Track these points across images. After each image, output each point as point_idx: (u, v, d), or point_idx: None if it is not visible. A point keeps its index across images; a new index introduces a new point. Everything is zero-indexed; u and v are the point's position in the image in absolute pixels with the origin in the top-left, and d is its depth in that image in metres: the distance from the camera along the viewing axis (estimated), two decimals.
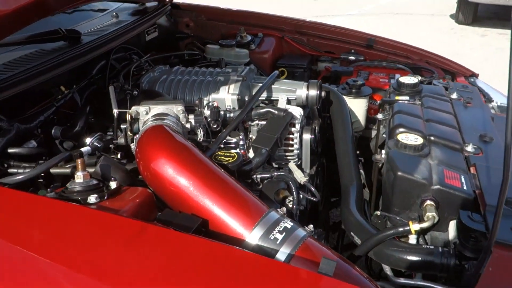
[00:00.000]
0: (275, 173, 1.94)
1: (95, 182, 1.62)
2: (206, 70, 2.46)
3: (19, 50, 2.28)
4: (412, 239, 1.74)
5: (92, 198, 1.52)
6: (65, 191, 1.58)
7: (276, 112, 2.10)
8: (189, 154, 1.69)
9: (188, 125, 1.98)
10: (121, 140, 2.00)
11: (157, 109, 1.99)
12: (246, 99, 2.28)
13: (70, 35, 2.40)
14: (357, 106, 2.75)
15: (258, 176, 1.94)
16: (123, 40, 2.66)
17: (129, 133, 1.97)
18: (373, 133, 2.99)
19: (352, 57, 3.25)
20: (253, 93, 2.31)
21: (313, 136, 2.22)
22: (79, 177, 1.60)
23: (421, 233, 1.74)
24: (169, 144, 1.72)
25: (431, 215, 1.68)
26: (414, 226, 1.67)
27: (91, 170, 1.75)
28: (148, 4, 3.20)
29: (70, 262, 1.22)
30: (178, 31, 3.51)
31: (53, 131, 2.10)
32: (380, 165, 2.16)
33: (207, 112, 2.05)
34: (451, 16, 9.93)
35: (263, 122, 2.14)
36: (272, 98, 2.34)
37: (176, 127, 1.85)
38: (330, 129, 2.62)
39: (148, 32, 2.96)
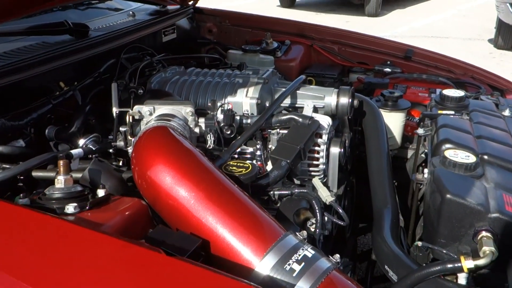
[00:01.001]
0: (296, 190, 1.64)
1: (79, 188, 1.36)
2: (223, 72, 2.20)
3: (20, 41, 2.07)
4: (462, 279, 1.40)
5: (70, 208, 1.25)
6: (42, 197, 1.32)
7: (301, 120, 1.81)
8: (194, 162, 1.41)
9: (197, 130, 1.71)
10: (121, 143, 1.73)
11: (162, 109, 1.72)
12: (267, 104, 2.00)
13: (77, 28, 2.18)
14: (393, 121, 2.44)
15: (275, 192, 1.65)
16: (135, 38, 2.44)
17: (129, 136, 1.70)
18: (410, 153, 2.66)
19: (387, 69, 2.94)
20: (275, 98, 2.03)
21: (342, 150, 1.91)
22: (59, 181, 1.33)
23: (474, 271, 1.40)
24: (170, 148, 1.44)
25: (488, 250, 1.34)
26: (468, 263, 1.34)
27: (79, 175, 1.49)
28: (170, 7, 2.99)
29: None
30: (200, 36, 3.28)
31: (46, 131, 1.86)
32: (421, 187, 1.84)
33: (220, 115, 1.78)
34: (490, 40, 9.51)
35: (285, 131, 1.85)
36: (296, 105, 2.05)
37: (182, 130, 1.58)
38: (361, 145, 2.32)
39: (165, 32, 2.74)
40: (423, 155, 2.43)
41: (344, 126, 2.07)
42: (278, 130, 1.86)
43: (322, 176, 1.89)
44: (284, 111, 1.99)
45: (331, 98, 2.02)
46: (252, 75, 2.06)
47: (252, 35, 3.22)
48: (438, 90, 2.76)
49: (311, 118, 1.82)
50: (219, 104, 1.82)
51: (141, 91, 1.88)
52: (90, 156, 1.71)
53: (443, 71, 2.89)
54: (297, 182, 1.91)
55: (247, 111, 1.89)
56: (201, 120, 1.75)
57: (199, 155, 1.44)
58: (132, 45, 2.41)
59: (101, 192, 1.37)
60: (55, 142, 1.88)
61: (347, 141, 2.02)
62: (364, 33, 3.16)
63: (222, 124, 1.75)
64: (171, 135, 1.50)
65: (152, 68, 2.38)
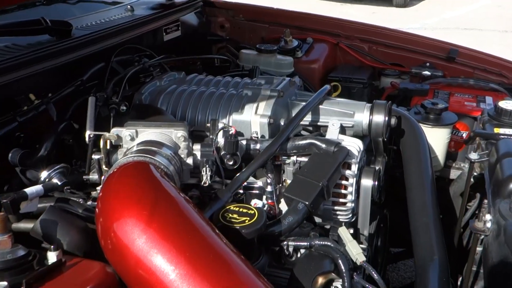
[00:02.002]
0: (317, 242, 1.26)
1: (20, 253, 1.00)
2: (230, 80, 1.82)
3: None
4: None
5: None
6: None
7: (324, 146, 1.42)
8: (179, 218, 1.04)
9: (190, 161, 1.33)
10: (94, 176, 1.37)
11: (147, 133, 1.35)
12: (282, 123, 1.60)
13: (56, 27, 1.82)
14: (436, 138, 2.02)
15: (290, 243, 1.27)
16: (129, 37, 2.07)
17: (104, 167, 1.34)
18: (452, 172, 2.25)
19: (426, 72, 2.51)
20: (293, 115, 1.64)
21: (376, 182, 1.51)
22: None
23: None
24: (148, 197, 1.07)
25: None
26: None
27: (30, 225, 1.13)
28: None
29: None
30: (210, 32, 2.89)
31: (10, 155, 1.50)
32: (481, 237, 1.43)
33: (220, 140, 1.40)
34: None
35: (304, 159, 1.46)
36: (319, 124, 1.65)
37: (168, 167, 1.21)
38: (397, 167, 1.91)
39: (167, 30, 2.36)
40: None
41: (378, 150, 1.67)
42: (295, 158, 1.47)
43: (350, 215, 1.50)
44: (304, 133, 1.60)
45: (363, 115, 1.62)
46: (264, 86, 1.67)
47: (269, 32, 2.83)
48: (488, 99, 2.33)
49: (338, 144, 1.42)
50: (220, 125, 1.44)
51: (124, 107, 1.51)
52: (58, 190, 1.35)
53: (494, 75, 2.45)
54: (317, 219, 1.53)
55: (256, 133, 1.50)
56: (197, 147, 1.38)
57: (188, 208, 1.07)
58: (125, 46, 2.05)
59: (52, 256, 1.01)
60: (21, 168, 1.53)
61: (381, 170, 1.62)
62: (398, 30, 2.73)
63: (223, 153, 1.37)
64: (152, 178, 1.13)
65: (148, 74, 2.01)
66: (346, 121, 1.63)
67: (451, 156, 2.23)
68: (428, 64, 2.54)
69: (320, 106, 1.65)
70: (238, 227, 1.16)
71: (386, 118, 1.59)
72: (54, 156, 1.56)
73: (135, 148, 1.26)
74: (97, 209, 1.11)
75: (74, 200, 1.33)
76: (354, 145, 1.51)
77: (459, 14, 10.58)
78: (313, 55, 2.61)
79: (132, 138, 1.35)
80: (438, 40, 2.62)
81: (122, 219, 1.03)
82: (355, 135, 1.65)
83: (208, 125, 1.45)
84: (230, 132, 1.36)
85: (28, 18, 1.85)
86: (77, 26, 1.95)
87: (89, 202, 1.36)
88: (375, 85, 2.64)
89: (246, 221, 1.18)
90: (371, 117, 1.61)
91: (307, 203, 1.29)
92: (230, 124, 1.57)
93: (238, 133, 1.55)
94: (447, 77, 2.49)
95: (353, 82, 2.46)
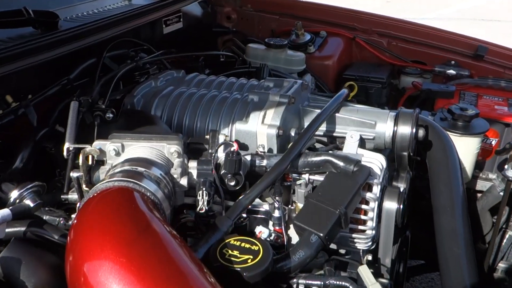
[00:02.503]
0: (332, 281, 1.06)
1: None
2: (235, 81, 1.61)
3: None
4: None
5: None
6: None
7: (342, 164, 1.21)
8: (163, 262, 0.84)
9: (184, 181, 1.13)
10: (73, 196, 1.18)
11: (135, 148, 1.15)
12: (292, 134, 1.40)
13: (40, 18, 1.62)
14: (464, 148, 1.80)
15: (301, 281, 1.08)
16: (125, 30, 1.86)
17: (84, 187, 1.14)
18: (479, 183, 2.04)
19: (451, 71, 2.29)
20: (305, 124, 1.43)
21: (401, 205, 1.30)
22: None
23: None
24: (127, 235, 0.87)
25: None
26: None
27: None
28: None
29: None
30: (215, 24, 2.68)
31: None
32: None
33: (221, 155, 1.20)
34: None
35: (318, 178, 1.26)
36: (335, 134, 1.45)
37: (156, 193, 1.01)
38: (418, 178, 1.71)
39: (167, 22, 2.15)
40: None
41: (401, 164, 1.46)
42: (307, 177, 1.26)
43: (370, 243, 1.30)
44: (318, 146, 1.39)
45: (386, 126, 1.41)
46: (272, 90, 1.46)
47: (280, 24, 2.61)
48: None
49: (358, 162, 1.21)
50: (221, 137, 1.23)
51: (110, 115, 1.30)
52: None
53: None
54: (332, 245, 1.33)
55: (263, 147, 1.29)
56: (193, 165, 1.17)
57: (175, 248, 0.87)
58: (119, 40, 1.84)
59: None
60: None
61: (406, 189, 1.42)
62: (421, 24, 2.49)
63: (223, 171, 1.17)
64: (135, 210, 0.93)
65: (144, 72, 1.81)
66: (366, 132, 1.42)
67: (478, 165, 2.02)
68: (453, 62, 2.32)
69: (337, 114, 1.44)
70: (239, 269, 0.96)
71: (413, 130, 1.38)
72: (33, 167, 1.37)
73: (118, 169, 1.06)
74: (68, 240, 0.92)
75: (50, 224, 1.14)
76: (376, 162, 1.31)
77: (476, 4, 10.23)
78: (326, 51, 2.39)
79: (117, 153, 1.15)
80: (465, 36, 2.39)
81: (96, 260, 0.84)
82: (376, 148, 1.44)
83: (207, 137, 1.25)
84: (232, 149, 1.16)
85: (8, 8, 1.65)
86: (64, 17, 1.75)
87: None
88: (394, 84, 2.41)
89: (249, 260, 0.98)
90: (395, 128, 1.40)
91: (321, 234, 1.09)
92: (233, 135, 1.37)
93: (242, 146, 1.34)
94: (475, 77, 2.26)
95: (370, 82, 2.24)
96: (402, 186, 1.46)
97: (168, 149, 1.16)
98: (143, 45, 1.98)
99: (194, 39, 2.42)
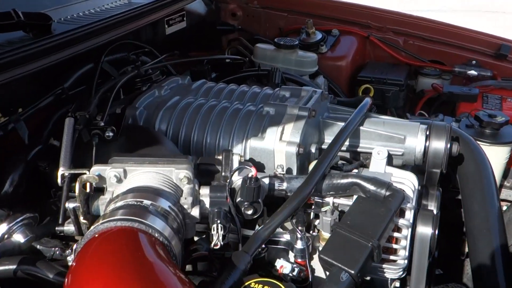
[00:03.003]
0: None
1: None
2: (247, 90, 1.47)
3: None
4: None
5: None
6: None
7: (372, 188, 1.07)
8: None
9: (196, 211, 0.99)
10: (70, 228, 1.04)
11: (138, 174, 1.02)
12: (312, 150, 1.26)
13: (31, 21, 1.47)
14: (494, 158, 1.65)
15: None
16: (124, 32, 1.72)
17: (82, 219, 1.01)
18: (504, 192, 1.91)
19: (473, 72, 2.15)
20: (326, 139, 1.30)
21: (436, 231, 1.17)
22: None
23: None
24: (131, 284, 0.74)
25: None
26: None
27: None
28: None
29: None
30: (220, 21, 2.53)
31: None
32: None
33: (236, 179, 1.06)
34: None
35: (344, 202, 1.12)
36: (359, 150, 1.31)
37: (163, 232, 0.87)
38: (445, 191, 1.58)
39: (169, 21, 2.00)
40: None
41: (431, 181, 1.32)
42: (332, 201, 1.13)
43: (401, 272, 1.16)
44: (342, 164, 1.26)
45: (416, 141, 1.27)
46: (290, 101, 1.32)
47: (288, 21, 2.47)
48: None
49: (390, 186, 1.07)
50: (235, 158, 1.09)
51: (110, 133, 1.16)
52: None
53: None
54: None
55: (282, 167, 1.15)
56: (205, 192, 1.04)
57: None
58: (118, 42, 1.70)
59: None
60: None
61: (437, 209, 1.28)
62: (439, 21, 2.34)
63: (239, 199, 1.03)
64: (139, 255, 0.79)
65: (146, 78, 1.67)
66: (394, 147, 1.28)
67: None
68: (474, 62, 2.19)
69: (361, 128, 1.30)
70: None
71: (447, 146, 1.24)
72: (25, 189, 1.24)
73: (120, 202, 0.92)
74: (66, 285, 0.79)
75: (44, 261, 1.01)
76: (408, 183, 1.17)
77: None
78: (339, 51, 2.25)
79: (119, 179, 1.02)
80: (487, 34, 2.25)
81: None
82: (405, 164, 1.30)
83: (219, 157, 1.11)
84: (250, 175, 1.02)
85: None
86: (58, 19, 1.60)
87: (69, 256, 1.04)
88: (411, 85, 2.27)
89: None
90: (427, 143, 1.26)
91: (353, 272, 0.96)
92: (247, 153, 1.23)
93: (258, 165, 1.21)
94: (498, 78, 2.12)
95: (387, 84, 2.10)
96: (432, 205, 1.32)
97: (176, 174, 1.02)
98: (144, 48, 1.83)
99: (197, 39, 2.27)
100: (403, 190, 1.13)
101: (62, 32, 1.55)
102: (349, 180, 1.10)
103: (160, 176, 1.02)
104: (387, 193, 1.07)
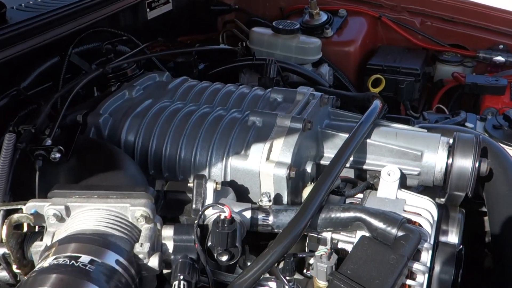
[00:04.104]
0: None
1: None
2: (234, 90, 1.23)
3: None
4: None
5: None
6: None
7: (381, 225, 0.85)
8: None
9: (155, 261, 0.78)
10: (5, 275, 0.84)
11: (84, 212, 0.81)
12: (308, 170, 1.03)
13: None
14: None
15: None
16: (97, 18, 1.50)
17: (15, 267, 0.80)
18: None
19: (499, 58, 1.90)
20: (324, 151, 1.08)
21: (459, 278, 0.95)
22: None
23: None
24: None
25: None
26: None
27: None
28: None
29: None
30: (214, 1, 2.27)
31: None
32: None
33: (210, 218, 0.85)
34: None
35: (346, 239, 0.91)
36: (365, 167, 1.08)
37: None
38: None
39: (151, 4, 1.76)
40: None
41: (453, 202, 1.09)
42: (329, 236, 0.91)
43: None
44: (342, 186, 1.03)
45: (437, 157, 1.04)
46: (281, 108, 1.09)
47: (289, 1, 2.20)
48: None
49: (403, 224, 0.85)
50: (209, 187, 0.88)
51: (57, 154, 0.93)
52: None
53: None
54: None
55: (268, 196, 0.93)
56: (169, 234, 0.82)
57: None
58: (90, 31, 1.47)
59: None
60: None
61: (460, 235, 1.06)
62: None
63: (210, 244, 0.82)
64: None
65: (121, 73, 1.44)
66: (409, 165, 1.05)
67: None
68: (501, 46, 1.93)
69: (368, 140, 1.07)
70: None
71: (475, 165, 1.01)
72: None
73: (49, 260, 0.71)
74: None
75: None
76: (425, 214, 0.95)
77: None
78: (347, 34, 2.02)
79: (60, 218, 0.81)
80: None
81: None
82: (422, 184, 1.08)
83: (190, 184, 0.89)
84: (223, 216, 0.80)
85: None
86: (14, 6, 1.38)
87: None
88: (428, 73, 2.02)
89: None
90: (450, 160, 1.03)
91: None
92: (228, 173, 1.01)
93: (240, 189, 0.99)
94: None
95: (401, 74, 1.85)
96: (453, 231, 1.09)
97: (132, 212, 0.81)
98: (121, 35, 1.60)
99: (188, 21, 2.02)
100: (419, 226, 0.91)
101: (20, 21, 1.33)
102: (352, 214, 0.88)
103: (111, 216, 0.81)
104: (399, 233, 0.85)
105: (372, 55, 1.98)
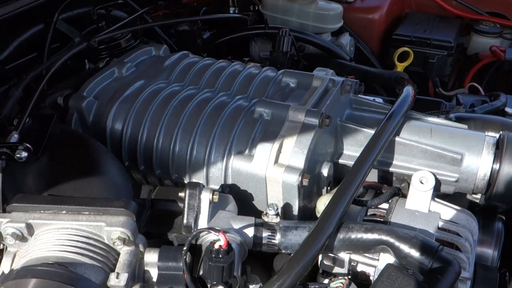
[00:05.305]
0: None
1: None
2: (241, 70, 1.05)
3: None
4: None
5: None
6: None
7: (411, 254, 0.69)
8: None
9: None
10: None
11: (49, 232, 0.66)
12: (325, 174, 0.87)
13: None
14: None
15: None
16: None
17: None
18: None
19: None
20: (343, 149, 0.91)
21: None
22: None
23: None
24: None
25: None
26: None
27: None
28: None
29: None
30: None
31: None
32: None
33: (206, 238, 0.70)
34: None
35: (368, 261, 0.75)
36: (391, 170, 0.91)
37: None
38: None
39: None
40: None
41: (492, 213, 0.93)
42: (349, 259, 0.75)
43: None
44: (363, 192, 0.87)
45: (480, 161, 0.87)
46: (294, 96, 0.92)
47: None
48: None
49: (438, 252, 0.69)
50: (204, 197, 0.72)
51: (24, 153, 0.77)
52: None
53: None
54: None
55: (275, 207, 0.77)
56: (152, 260, 0.68)
57: None
58: None
59: None
60: None
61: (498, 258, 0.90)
62: None
63: (201, 273, 0.67)
64: None
65: (114, 44, 1.27)
66: (445, 170, 0.88)
67: None
68: None
69: (397, 138, 0.90)
70: None
71: None
72: None
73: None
74: None
75: None
76: (464, 233, 0.78)
77: None
78: (371, 0, 1.77)
79: (21, 237, 0.67)
80: None
81: None
82: (459, 191, 0.91)
83: (182, 194, 0.74)
84: (217, 245, 0.64)
85: None
86: None
87: None
88: (461, 44, 1.80)
89: None
90: (496, 165, 0.85)
91: None
92: (228, 176, 0.85)
93: (243, 195, 0.83)
94: None
95: (431, 46, 1.64)
96: (492, 243, 0.93)
97: (108, 234, 0.66)
98: None
99: None
100: (457, 250, 0.75)
101: None
102: (376, 237, 0.73)
103: (81, 237, 0.66)
104: (435, 265, 0.69)
105: (399, 24, 1.76)
